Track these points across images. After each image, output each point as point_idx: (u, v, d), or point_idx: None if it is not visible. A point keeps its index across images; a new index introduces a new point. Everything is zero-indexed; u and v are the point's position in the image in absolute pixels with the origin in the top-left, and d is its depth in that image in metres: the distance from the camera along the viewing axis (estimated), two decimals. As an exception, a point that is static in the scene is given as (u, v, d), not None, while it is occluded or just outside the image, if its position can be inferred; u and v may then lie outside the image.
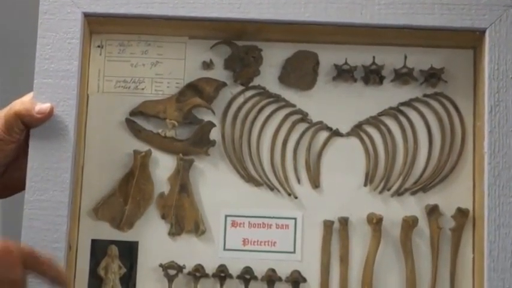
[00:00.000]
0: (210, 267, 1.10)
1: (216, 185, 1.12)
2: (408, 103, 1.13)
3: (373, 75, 1.13)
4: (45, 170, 1.06)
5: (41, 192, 1.06)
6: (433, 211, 1.11)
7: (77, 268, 1.10)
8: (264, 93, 1.13)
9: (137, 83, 1.13)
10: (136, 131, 1.13)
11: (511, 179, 1.06)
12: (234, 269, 1.10)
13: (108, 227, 1.11)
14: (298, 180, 1.13)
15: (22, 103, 1.07)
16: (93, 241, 1.11)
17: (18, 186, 1.10)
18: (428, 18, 1.09)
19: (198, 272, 1.10)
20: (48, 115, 1.07)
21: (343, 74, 1.13)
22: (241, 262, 1.10)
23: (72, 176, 1.07)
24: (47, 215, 1.06)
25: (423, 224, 1.11)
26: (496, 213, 1.05)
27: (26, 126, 1.07)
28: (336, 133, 1.13)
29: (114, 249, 1.10)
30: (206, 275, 1.10)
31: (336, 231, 1.11)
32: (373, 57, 1.13)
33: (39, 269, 1.00)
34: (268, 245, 1.11)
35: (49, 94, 1.08)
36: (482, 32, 1.08)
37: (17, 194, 1.12)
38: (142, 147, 1.12)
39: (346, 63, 1.13)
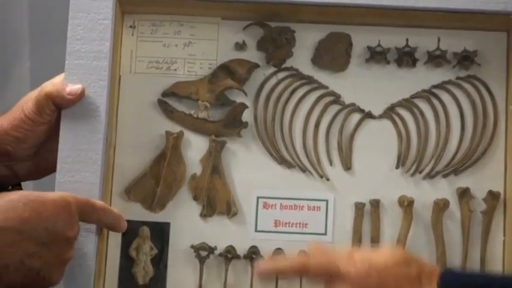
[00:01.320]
0: (242, 249, 0.99)
1: (248, 167, 1.00)
2: (441, 86, 1.01)
3: (406, 58, 1.01)
4: (77, 151, 0.95)
5: (72, 173, 0.95)
6: (464, 194, 0.99)
7: (108, 249, 0.99)
8: (296, 75, 1.02)
9: (169, 63, 1.01)
10: (169, 112, 1.01)
11: (545, 162, 0.94)
12: (266, 250, 0.99)
13: (139, 208, 1.00)
14: (330, 162, 1.01)
15: (53, 84, 0.97)
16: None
17: (50, 167, 0.99)
18: (462, 1, 0.98)
19: (229, 253, 0.99)
20: (79, 96, 0.96)
21: (376, 56, 1.01)
22: (273, 244, 0.99)
23: (103, 157, 0.96)
24: (79, 197, 0.95)
25: (454, 207, 1.00)
26: (528, 196, 0.94)
27: (57, 107, 0.96)
28: (368, 115, 1.01)
29: (145, 230, 0.99)
30: (237, 257, 0.99)
31: (367, 213, 1.00)
32: (407, 39, 1.01)
33: (96, 218, 0.92)
34: (299, 226, 0.99)
35: (80, 75, 0.96)
36: (516, 15, 0.97)
37: (48, 176, 1.01)
38: (175, 128, 1.01)
39: (379, 45, 1.01)
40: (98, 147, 0.96)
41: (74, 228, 0.90)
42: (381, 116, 1.01)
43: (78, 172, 0.95)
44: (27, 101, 0.97)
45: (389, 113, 1.01)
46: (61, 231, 0.88)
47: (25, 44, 1.71)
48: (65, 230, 0.89)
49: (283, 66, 1.02)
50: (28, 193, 0.89)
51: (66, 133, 0.96)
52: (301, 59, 1.02)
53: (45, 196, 0.89)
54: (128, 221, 0.99)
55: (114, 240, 0.99)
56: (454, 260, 0.99)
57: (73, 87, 0.96)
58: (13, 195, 0.89)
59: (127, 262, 0.99)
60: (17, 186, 1.03)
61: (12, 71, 1.71)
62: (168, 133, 1.00)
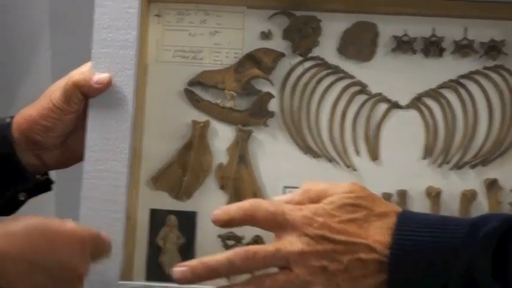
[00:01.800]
0: (269, 239, 0.99)
1: (275, 156, 1.01)
2: (468, 76, 1.02)
3: (433, 47, 1.02)
4: (104, 140, 0.96)
5: (99, 162, 0.96)
6: (492, 185, 1.00)
7: (135, 238, 1.00)
8: (322, 64, 1.02)
9: (196, 52, 1.02)
10: (195, 101, 1.02)
11: None
12: (292, 240, 1.00)
13: (166, 197, 1.01)
14: (357, 152, 1.01)
15: (81, 73, 0.98)
16: (152, 211, 1.00)
17: (77, 156, 1.00)
18: (489, -10, 0.98)
19: (256, 243, 0.99)
20: (107, 85, 0.97)
21: (403, 45, 1.02)
22: (299, 233, 1.00)
23: (130, 146, 0.97)
24: (106, 185, 0.96)
25: (482, 198, 1.00)
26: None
27: (85, 96, 0.98)
28: (395, 105, 1.02)
29: (172, 219, 1.00)
30: (264, 246, 0.99)
31: (395, 203, 1.00)
32: (433, 28, 1.02)
33: (103, 254, 0.91)
34: (326, 216, 1.00)
35: (107, 64, 0.97)
36: (545, 4, 0.97)
37: (76, 165, 1.03)
38: (201, 117, 1.02)
39: (405, 34, 1.02)
40: (125, 136, 0.97)
41: (85, 266, 0.88)
42: (407, 106, 1.02)
43: (105, 161, 0.96)
44: (55, 90, 0.99)
45: (416, 103, 1.02)
46: (73, 267, 0.87)
47: (46, 33, 1.73)
48: (77, 266, 0.87)
49: (309, 55, 1.02)
50: (45, 222, 0.87)
51: (94, 122, 0.97)
52: (327, 49, 1.03)
53: (62, 227, 0.87)
54: (155, 210, 1.00)
55: (142, 229, 1.00)
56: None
57: (100, 76, 0.97)
58: (31, 221, 0.87)
59: (154, 251, 1.00)
60: (45, 175, 1.05)
61: (33, 60, 1.72)
62: (194, 122, 1.02)
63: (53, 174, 1.08)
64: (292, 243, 0.85)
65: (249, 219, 0.88)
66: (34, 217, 0.88)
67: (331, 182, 0.90)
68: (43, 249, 0.85)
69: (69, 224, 0.88)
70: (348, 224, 0.86)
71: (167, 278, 0.98)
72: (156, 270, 0.99)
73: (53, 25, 1.71)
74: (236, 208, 0.88)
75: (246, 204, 0.88)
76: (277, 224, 0.87)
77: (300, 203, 0.88)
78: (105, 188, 0.96)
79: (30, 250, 0.85)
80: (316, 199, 0.88)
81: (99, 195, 0.96)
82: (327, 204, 0.87)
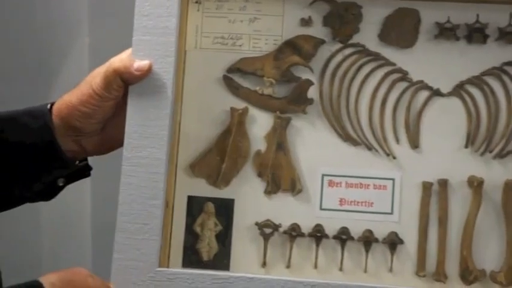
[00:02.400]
0: (306, 227, 1.01)
1: (313, 144, 1.02)
2: (512, 63, 1.02)
3: (476, 34, 1.02)
4: (143, 127, 0.98)
5: (139, 149, 0.98)
6: (535, 174, 1.00)
7: (173, 224, 1.02)
8: (363, 51, 1.03)
9: (235, 39, 1.03)
10: (234, 88, 1.03)
11: None
12: (330, 229, 1.01)
13: (204, 184, 1.03)
14: (397, 140, 1.02)
15: (121, 60, 1.00)
16: (190, 198, 1.02)
17: (116, 143, 1.03)
18: (535, -25, 0.98)
19: (294, 231, 1.01)
20: (147, 72, 0.99)
21: (445, 32, 1.02)
22: (338, 222, 1.01)
23: (170, 133, 0.99)
24: (145, 172, 0.98)
25: (525, 188, 1.00)
26: None
27: (125, 83, 1.00)
28: (436, 93, 1.02)
29: (210, 206, 1.02)
30: (302, 234, 1.01)
31: (435, 193, 1.01)
32: (477, 15, 1.02)
33: None
34: (365, 205, 1.01)
35: (147, 51, 0.99)
36: None
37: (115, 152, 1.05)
38: (240, 104, 1.03)
39: (448, 21, 1.02)
40: (164, 122, 0.99)
41: None
42: (449, 94, 1.02)
43: (144, 148, 0.98)
44: (95, 77, 1.01)
45: (459, 90, 1.02)
46: None
47: (84, 21, 1.75)
48: None
49: (350, 42, 1.03)
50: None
51: (134, 109, 0.99)
52: (368, 35, 1.03)
53: None
54: (193, 197, 1.02)
55: (179, 216, 1.02)
56: (523, 242, 1.00)
57: (141, 63, 0.99)
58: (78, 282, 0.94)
59: (191, 238, 1.02)
60: (84, 162, 1.07)
61: (71, 48, 1.75)
62: (233, 109, 1.03)
63: (89, 161, 1.11)
64: None
65: None
66: (98, 285, 0.95)
67: None
68: None
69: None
70: None
71: (204, 265, 1.01)
72: (192, 257, 1.01)
73: (91, 13, 1.74)
74: None
75: None
76: None
77: None
78: (143, 175, 0.98)
79: None
80: None
81: (137, 182, 0.98)
82: None
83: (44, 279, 0.92)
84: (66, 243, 1.78)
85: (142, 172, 0.98)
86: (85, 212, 1.77)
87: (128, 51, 1.01)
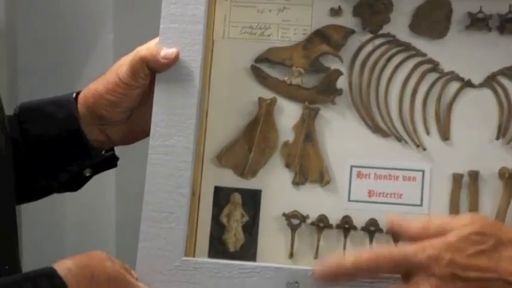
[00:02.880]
0: (334, 218, 1.01)
1: (342, 135, 1.02)
2: (545, 54, 1.02)
3: (508, 25, 1.01)
4: (170, 115, 0.99)
5: (165, 137, 0.99)
6: None
7: (199, 214, 1.02)
8: (393, 41, 1.03)
9: (263, 29, 1.04)
10: (262, 78, 1.04)
11: None
12: (359, 220, 1.01)
13: (231, 174, 1.03)
14: (427, 132, 1.02)
15: (148, 48, 1.01)
16: (216, 188, 1.02)
17: (143, 132, 1.03)
18: None
19: (321, 223, 1.01)
20: (174, 60, 0.99)
21: (477, 22, 1.02)
22: (366, 214, 1.01)
23: (197, 121, 0.99)
24: (171, 161, 0.99)
25: (558, 180, 1.00)
26: None
27: (152, 71, 1.00)
28: (468, 84, 1.02)
29: (237, 197, 1.02)
30: (330, 226, 1.01)
31: (466, 185, 1.00)
32: (510, 5, 1.01)
33: None
34: (394, 197, 1.01)
35: (175, 39, 1.00)
36: None
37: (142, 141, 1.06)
38: (267, 94, 1.03)
39: (480, 11, 1.02)
40: (191, 111, 0.99)
41: None
42: (481, 85, 1.02)
43: (171, 136, 0.99)
44: (122, 65, 1.02)
45: (490, 81, 1.01)
46: None
47: (108, 16, 1.77)
48: None
49: (380, 32, 1.03)
50: (127, 280, 0.94)
51: (160, 97, 0.99)
52: (398, 25, 1.03)
53: None
54: (220, 188, 1.02)
55: (205, 206, 1.02)
56: (556, 236, 1.00)
57: (168, 51, 0.99)
58: (114, 273, 0.93)
59: (218, 229, 1.02)
60: (110, 151, 1.08)
61: (95, 43, 1.76)
62: (261, 99, 1.03)
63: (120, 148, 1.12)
64: (420, 286, 0.84)
65: (372, 270, 0.87)
66: (117, 269, 0.94)
67: (449, 216, 0.92)
68: None
69: None
70: (477, 257, 0.84)
71: (230, 255, 1.01)
72: (219, 248, 1.01)
73: (116, 8, 1.75)
74: (353, 260, 0.87)
75: (365, 255, 0.87)
76: (403, 269, 0.86)
77: (421, 239, 0.87)
78: (170, 163, 0.98)
79: None
80: (437, 234, 0.86)
81: (164, 170, 0.98)
82: (451, 238, 0.85)
83: (60, 265, 0.92)
84: (90, 233, 1.80)
85: (169, 160, 0.98)
86: (109, 202, 1.79)
87: (155, 40, 1.01)
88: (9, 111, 1.09)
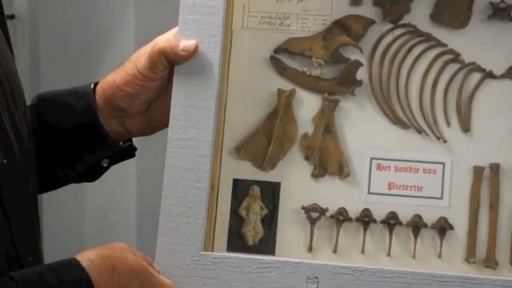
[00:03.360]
0: (354, 211, 1.01)
1: (362, 127, 1.02)
2: None
3: (531, 14, 1.01)
4: (189, 108, 0.99)
5: (184, 130, 0.99)
6: None
7: (218, 207, 1.03)
8: (414, 31, 1.02)
9: (282, 19, 1.04)
10: (281, 69, 1.04)
11: None
12: (379, 213, 1.01)
13: (250, 166, 1.03)
14: (448, 124, 1.02)
15: (167, 40, 1.00)
16: (235, 181, 1.03)
17: (161, 124, 1.04)
18: None
19: (341, 216, 1.01)
20: (193, 52, 0.99)
21: (499, 12, 1.01)
22: (386, 207, 1.01)
23: (215, 114, 1.00)
24: (190, 154, 0.99)
25: None
26: None
27: (170, 63, 1.00)
28: (489, 75, 1.01)
29: (256, 190, 1.02)
30: (349, 219, 1.01)
31: (487, 177, 1.00)
32: (533, -6, 1.01)
33: None
34: (414, 189, 1.01)
35: (194, 30, 1.00)
36: None
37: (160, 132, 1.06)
38: (287, 85, 1.03)
39: (502, 1, 1.01)
40: (210, 104, 0.99)
41: None
42: (502, 76, 1.01)
43: (190, 129, 0.99)
44: (140, 56, 1.02)
45: (512, 72, 1.02)
46: None
47: (130, 4, 1.77)
48: None
49: (400, 22, 1.02)
50: (149, 272, 0.96)
51: (179, 89, 1.00)
52: (419, 15, 1.02)
53: (160, 282, 0.96)
54: (238, 180, 1.03)
55: (224, 199, 1.03)
56: None
57: (187, 43, 0.99)
58: (136, 265, 0.95)
59: (237, 222, 1.02)
60: (128, 142, 1.09)
61: (117, 31, 1.77)
62: (280, 91, 1.03)
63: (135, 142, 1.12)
64: None
65: None
66: (139, 261, 0.95)
67: None
68: None
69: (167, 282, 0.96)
70: None
71: (249, 249, 1.02)
72: (237, 241, 1.02)
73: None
74: None
75: None
76: None
77: None
78: (189, 157, 0.99)
79: None
80: None
81: (183, 164, 0.99)
82: None
83: (82, 256, 0.93)
84: (110, 225, 1.81)
85: (187, 154, 0.99)
86: (130, 193, 1.80)
87: (174, 30, 1.01)
88: (30, 99, 1.09)
